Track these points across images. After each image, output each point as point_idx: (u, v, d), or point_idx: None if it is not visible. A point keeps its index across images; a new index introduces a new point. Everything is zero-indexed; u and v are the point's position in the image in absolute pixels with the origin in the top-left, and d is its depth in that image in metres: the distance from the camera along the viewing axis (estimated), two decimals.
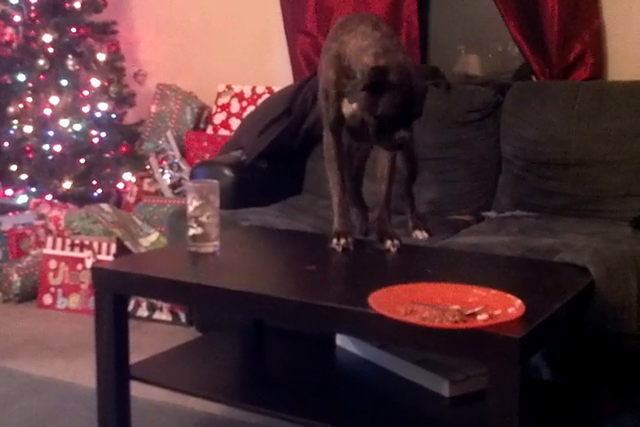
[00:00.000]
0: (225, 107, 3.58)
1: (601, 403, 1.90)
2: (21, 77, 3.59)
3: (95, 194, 3.63)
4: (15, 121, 3.61)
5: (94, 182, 3.64)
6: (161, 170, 3.53)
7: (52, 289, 3.15)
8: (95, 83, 3.65)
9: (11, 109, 3.60)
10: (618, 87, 2.73)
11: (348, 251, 1.93)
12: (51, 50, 3.58)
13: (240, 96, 3.55)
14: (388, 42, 1.88)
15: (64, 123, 3.57)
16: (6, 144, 3.64)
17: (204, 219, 1.87)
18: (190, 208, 1.87)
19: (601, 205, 2.60)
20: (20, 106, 3.60)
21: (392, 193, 2.07)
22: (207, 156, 3.43)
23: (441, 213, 2.76)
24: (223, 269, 1.86)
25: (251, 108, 3.44)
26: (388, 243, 1.96)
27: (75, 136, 3.59)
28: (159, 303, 2.94)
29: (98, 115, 3.65)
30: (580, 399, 1.84)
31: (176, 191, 3.47)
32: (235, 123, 3.50)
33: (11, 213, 3.48)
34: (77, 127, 3.59)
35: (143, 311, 2.98)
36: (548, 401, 1.78)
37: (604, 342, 1.94)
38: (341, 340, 2.00)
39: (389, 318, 1.42)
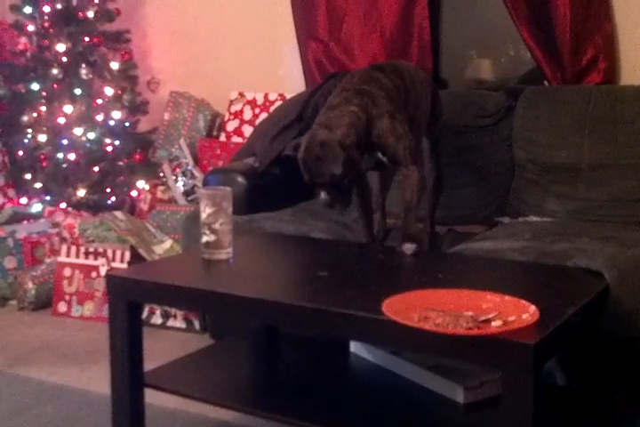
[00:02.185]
0: (237, 114, 3.59)
1: (615, 407, 1.89)
2: (35, 86, 3.62)
3: (109, 202, 3.65)
4: (29, 130, 3.64)
5: (108, 190, 3.66)
6: (174, 177, 3.54)
7: (67, 297, 3.16)
8: (108, 91, 3.67)
9: (25, 118, 3.63)
10: (631, 91, 2.72)
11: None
12: (64, 59, 3.60)
13: (252, 103, 3.56)
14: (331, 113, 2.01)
15: (78, 131, 3.59)
16: (21, 153, 3.68)
17: (216, 226, 1.87)
18: (203, 215, 1.88)
19: (614, 209, 2.58)
20: (34, 115, 3.64)
21: (420, 203, 2.14)
22: (220, 163, 3.44)
23: (453, 218, 2.75)
24: (236, 275, 1.86)
25: (263, 115, 3.45)
26: (406, 246, 1.98)
27: (88, 144, 3.62)
28: (173, 311, 2.95)
29: (111, 123, 3.67)
30: (595, 404, 1.83)
31: (189, 198, 3.48)
32: (247, 130, 3.50)
33: (25, 222, 3.50)
34: (91, 135, 3.62)
35: (157, 319, 2.98)
36: (562, 406, 1.77)
37: (617, 347, 1.93)
38: (355, 346, 2.00)
39: (403, 324, 1.41)
